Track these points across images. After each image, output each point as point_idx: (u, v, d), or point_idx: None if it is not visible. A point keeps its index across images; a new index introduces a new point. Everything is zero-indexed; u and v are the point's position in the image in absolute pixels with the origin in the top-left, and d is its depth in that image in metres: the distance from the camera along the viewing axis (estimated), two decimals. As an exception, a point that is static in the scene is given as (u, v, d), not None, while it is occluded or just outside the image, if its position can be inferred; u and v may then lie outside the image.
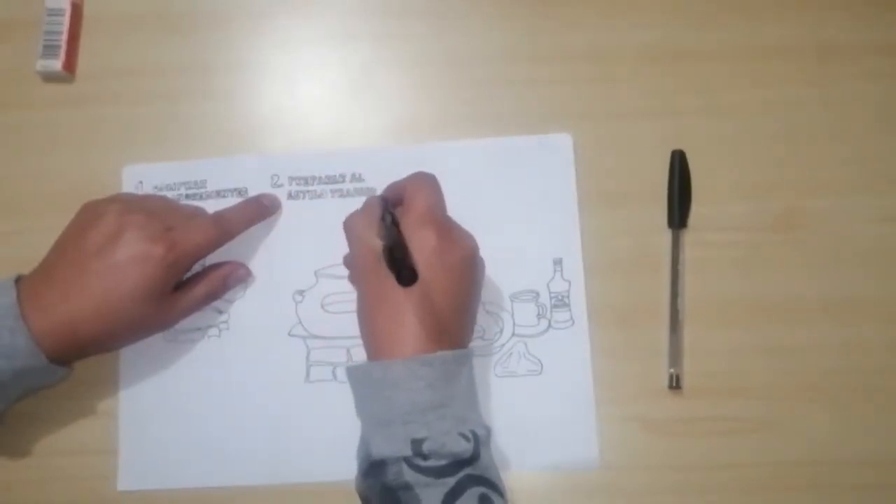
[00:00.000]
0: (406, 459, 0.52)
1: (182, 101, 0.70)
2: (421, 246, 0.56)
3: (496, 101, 0.69)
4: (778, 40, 0.69)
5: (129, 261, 0.58)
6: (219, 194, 0.67)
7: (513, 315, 0.65)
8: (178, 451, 0.64)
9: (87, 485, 0.64)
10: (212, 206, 0.66)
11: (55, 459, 0.64)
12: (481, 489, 0.53)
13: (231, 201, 0.67)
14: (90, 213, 0.61)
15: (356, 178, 0.67)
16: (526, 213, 0.66)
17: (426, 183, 0.60)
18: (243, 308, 0.66)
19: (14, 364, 0.56)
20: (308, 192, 0.67)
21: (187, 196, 0.68)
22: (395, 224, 0.58)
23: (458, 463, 0.53)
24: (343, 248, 0.63)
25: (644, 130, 0.67)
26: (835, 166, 0.66)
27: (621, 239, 0.66)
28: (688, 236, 0.66)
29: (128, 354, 0.65)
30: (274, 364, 0.65)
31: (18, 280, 0.59)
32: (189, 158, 0.68)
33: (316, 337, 0.65)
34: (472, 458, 0.53)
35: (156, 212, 0.61)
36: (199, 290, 0.63)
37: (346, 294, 0.65)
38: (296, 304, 0.66)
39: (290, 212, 0.67)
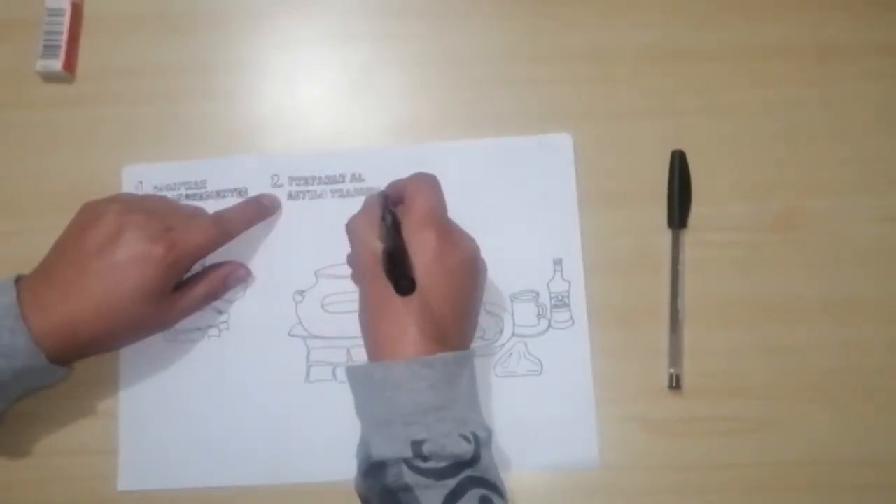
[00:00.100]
0: (406, 461, 0.52)
1: (182, 101, 0.70)
2: (421, 248, 0.56)
3: (496, 101, 0.69)
4: (778, 40, 0.69)
5: (129, 261, 0.58)
6: (219, 194, 0.67)
7: (513, 315, 0.65)
8: (178, 451, 0.64)
9: (87, 485, 0.64)
10: (212, 206, 0.66)
11: (55, 459, 0.64)
12: (482, 491, 0.53)
13: (231, 201, 0.67)
14: (90, 213, 0.61)
15: (356, 178, 0.67)
16: (526, 213, 0.66)
17: (427, 183, 0.60)
18: (243, 308, 0.66)
19: (14, 364, 0.56)
20: (308, 192, 0.67)
21: (187, 196, 0.68)
22: (396, 224, 0.58)
23: (459, 464, 0.53)
24: (343, 247, 0.63)
25: (644, 130, 0.67)
26: (835, 166, 0.66)
27: (621, 239, 0.66)
28: (688, 236, 0.66)
29: (128, 354, 0.65)
30: (274, 364, 0.65)
31: (18, 280, 0.59)
32: (189, 158, 0.68)
33: (316, 337, 0.65)
34: (473, 460, 0.53)
35: (156, 212, 0.61)
36: (199, 290, 0.63)
37: (346, 294, 0.65)
38: (296, 304, 0.66)
39: (290, 212, 0.67)
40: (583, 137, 0.67)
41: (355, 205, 0.64)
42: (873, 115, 0.67)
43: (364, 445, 0.55)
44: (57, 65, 0.69)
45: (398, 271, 0.55)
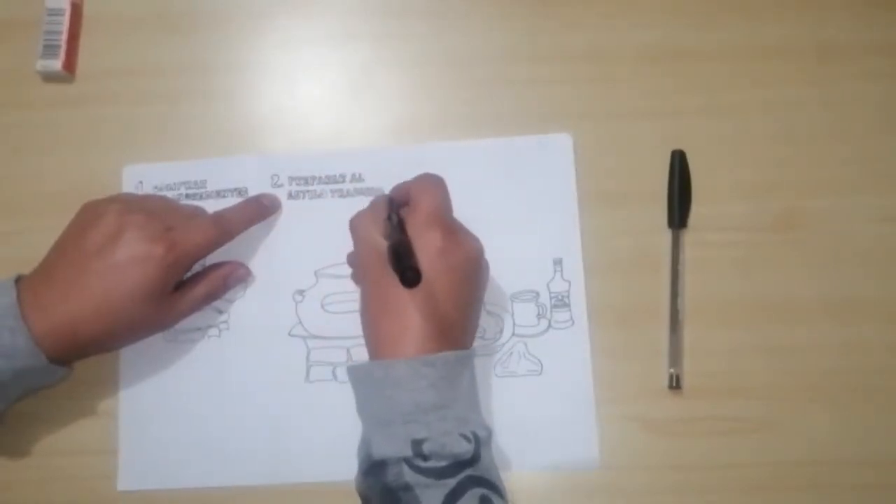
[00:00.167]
0: (406, 460, 0.52)
1: (182, 101, 0.70)
2: (426, 247, 0.56)
3: (496, 101, 0.69)
4: (778, 40, 0.69)
5: (129, 261, 0.58)
6: (219, 194, 0.67)
7: (513, 315, 0.65)
8: (178, 451, 0.64)
9: (87, 485, 0.64)
10: (212, 206, 0.66)
11: (55, 459, 0.64)
12: (482, 490, 0.53)
13: (231, 201, 0.67)
14: (90, 213, 0.61)
15: (356, 178, 0.67)
16: (526, 213, 0.66)
17: (433, 184, 0.60)
18: (243, 308, 0.66)
19: (14, 364, 0.56)
20: (308, 192, 0.67)
21: (187, 196, 0.68)
22: (401, 224, 0.58)
23: (459, 464, 0.53)
24: (343, 247, 0.64)
25: (644, 130, 0.67)
26: (835, 166, 0.66)
27: (621, 239, 0.66)
28: (688, 236, 0.66)
29: (128, 354, 0.65)
30: (274, 364, 0.65)
31: (18, 280, 0.59)
32: (189, 158, 0.68)
33: (316, 337, 0.65)
34: (473, 460, 0.53)
35: (156, 212, 0.61)
36: (200, 290, 0.63)
37: (346, 294, 0.65)
38: (296, 304, 0.66)
39: (290, 212, 0.67)
40: (583, 137, 0.67)
41: (355, 205, 0.64)
42: (873, 115, 0.67)
43: (365, 444, 0.55)
44: (57, 65, 0.69)
45: (404, 262, 0.55)
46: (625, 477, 0.62)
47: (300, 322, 0.65)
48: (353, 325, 0.63)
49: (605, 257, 0.65)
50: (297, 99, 0.70)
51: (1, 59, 0.71)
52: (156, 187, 0.68)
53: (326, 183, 0.67)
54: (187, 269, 0.63)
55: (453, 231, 0.58)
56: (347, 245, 0.63)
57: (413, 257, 0.55)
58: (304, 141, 0.69)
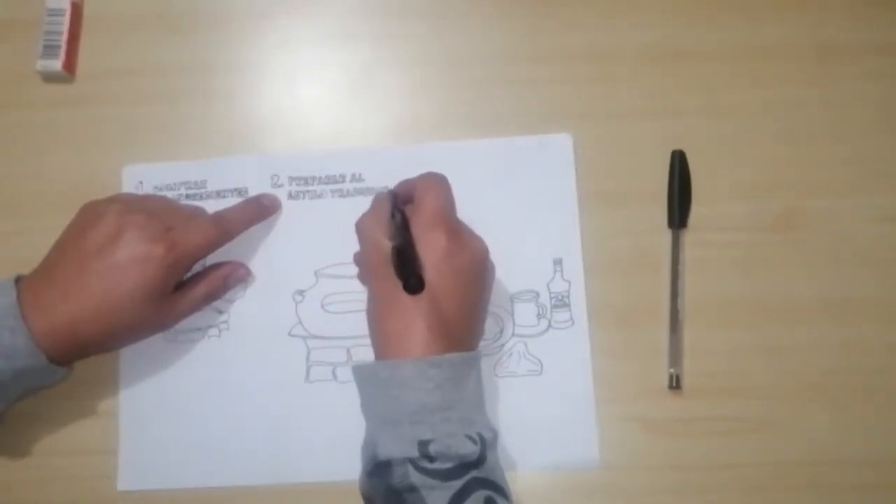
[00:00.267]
0: (412, 461, 0.52)
1: (182, 101, 0.70)
2: (431, 248, 0.56)
3: (496, 101, 0.69)
4: (778, 40, 0.69)
5: (130, 261, 0.58)
6: (219, 194, 0.67)
7: (513, 315, 0.65)
8: (178, 451, 0.64)
9: (87, 485, 0.64)
10: (212, 206, 0.66)
11: (55, 459, 0.64)
12: (487, 492, 0.52)
13: (231, 201, 0.67)
14: (90, 213, 0.60)
15: (356, 178, 0.67)
16: (526, 213, 0.66)
17: (437, 183, 0.59)
18: (243, 308, 0.66)
19: (14, 364, 0.56)
20: (308, 192, 0.67)
21: (187, 196, 0.68)
22: (405, 223, 0.57)
23: (465, 465, 0.53)
24: (343, 247, 0.64)
25: (644, 130, 0.67)
26: (835, 166, 0.66)
27: (621, 239, 0.66)
28: (688, 236, 0.66)
29: (128, 354, 0.65)
30: (274, 364, 0.65)
31: (18, 280, 0.59)
32: (189, 158, 0.68)
33: (316, 337, 0.65)
34: (479, 461, 0.53)
35: (156, 212, 0.61)
36: (200, 290, 0.63)
37: (346, 294, 0.65)
38: (296, 304, 0.66)
39: (290, 212, 0.67)
40: (583, 137, 0.67)
41: (355, 205, 0.64)
42: (873, 115, 0.67)
43: (370, 444, 0.55)
44: (57, 65, 0.69)
45: (407, 270, 0.55)
46: (625, 477, 0.62)
47: (300, 322, 0.65)
48: (353, 325, 0.63)
49: (605, 257, 0.65)
50: (297, 99, 0.70)
51: (1, 59, 0.71)
52: (156, 187, 0.68)
53: (326, 183, 0.67)
54: (187, 270, 0.63)
55: (458, 232, 0.58)
56: (347, 245, 0.63)
57: (416, 263, 0.55)
58: (304, 141, 0.69)
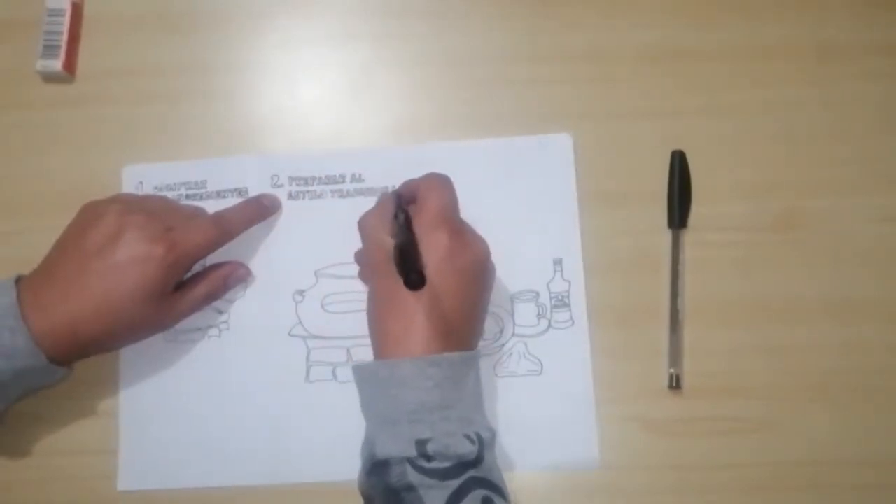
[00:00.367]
0: (410, 460, 0.52)
1: (182, 101, 0.70)
2: (433, 247, 0.56)
3: (496, 101, 0.69)
4: (778, 40, 0.69)
5: (130, 261, 0.58)
6: (219, 194, 0.67)
7: (513, 315, 0.65)
8: (178, 451, 0.64)
9: (87, 485, 0.64)
10: (212, 206, 0.66)
11: (55, 459, 0.64)
12: (485, 492, 0.52)
13: (231, 201, 0.67)
14: (90, 213, 0.61)
15: (356, 178, 0.67)
16: (526, 213, 0.66)
17: (440, 183, 0.59)
18: (243, 308, 0.66)
19: (14, 364, 0.56)
20: (308, 192, 0.67)
21: (187, 196, 0.68)
22: (408, 223, 0.58)
23: (463, 465, 0.53)
24: (343, 247, 0.64)
25: (644, 130, 0.67)
26: (835, 166, 0.66)
27: (621, 239, 0.66)
28: (688, 236, 0.66)
29: (128, 354, 0.65)
30: (274, 364, 0.65)
31: (18, 280, 0.59)
32: (189, 158, 0.68)
33: (316, 337, 0.65)
34: (477, 461, 0.53)
35: (156, 212, 0.61)
36: (200, 290, 0.63)
37: (346, 294, 0.65)
38: (296, 304, 0.66)
39: (290, 212, 0.67)
40: (583, 137, 0.67)
41: (355, 205, 0.64)
42: (873, 115, 0.67)
43: (368, 444, 0.55)
44: (57, 65, 0.69)
45: (409, 266, 0.55)
46: (625, 477, 0.62)
47: (300, 322, 0.65)
48: (353, 325, 0.63)
49: (605, 257, 0.65)
50: (297, 99, 0.70)
51: (1, 59, 0.71)
52: (156, 187, 0.68)
53: (326, 183, 0.67)
54: (187, 270, 0.63)
55: (461, 232, 0.58)
56: (347, 245, 0.63)
57: (418, 260, 0.55)
58: (304, 141, 0.69)
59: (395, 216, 0.58)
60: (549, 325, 0.64)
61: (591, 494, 0.62)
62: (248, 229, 0.66)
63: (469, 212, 0.61)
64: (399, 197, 0.60)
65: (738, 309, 0.64)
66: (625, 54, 0.69)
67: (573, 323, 0.64)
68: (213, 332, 0.65)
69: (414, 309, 0.55)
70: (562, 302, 0.65)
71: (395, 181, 0.64)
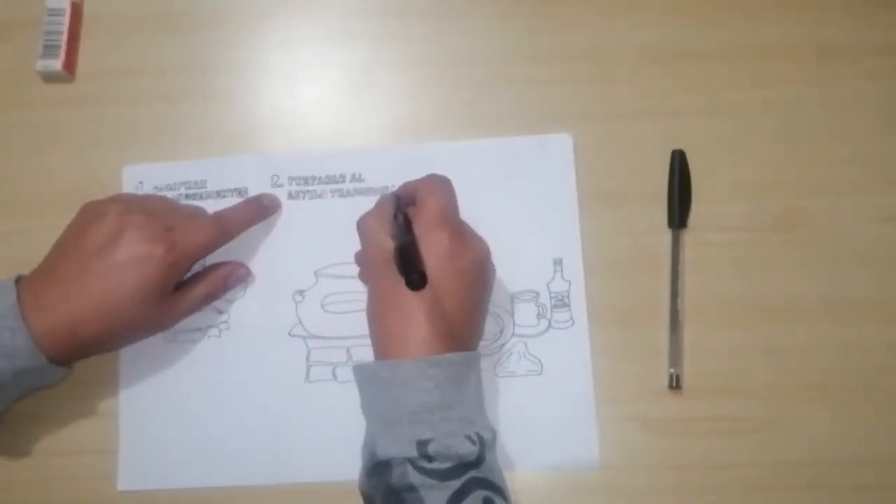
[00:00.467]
0: (411, 461, 0.52)
1: (182, 101, 0.70)
2: (433, 248, 0.56)
3: (496, 101, 0.69)
4: (778, 40, 0.69)
5: (130, 261, 0.58)
6: (219, 194, 0.67)
7: (513, 315, 0.65)
8: (178, 451, 0.64)
9: (87, 485, 0.64)
10: (212, 206, 0.66)
11: (55, 459, 0.64)
12: (485, 492, 0.52)
13: (231, 201, 0.67)
14: (90, 213, 0.60)
15: (356, 178, 0.67)
16: (526, 213, 0.66)
17: (440, 185, 0.59)
18: (243, 308, 0.66)
19: (14, 364, 0.56)
20: (308, 192, 0.67)
21: (187, 196, 0.68)
22: (408, 224, 0.58)
23: (463, 465, 0.53)
24: (343, 247, 0.64)
25: (644, 130, 0.67)
26: (835, 166, 0.66)
27: (621, 239, 0.66)
28: (688, 236, 0.66)
29: (128, 354, 0.65)
30: (274, 364, 0.65)
31: (18, 280, 0.59)
32: (189, 158, 0.68)
33: (316, 337, 0.65)
34: (478, 461, 0.53)
35: (156, 212, 0.61)
36: (200, 290, 0.63)
37: (346, 294, 0.65)
38: (296, 304, 0.66)
39: (290, 212, 0.67)
40: (583, 137, 0.67)
41: (355, 205, 0.64)
42: (873, 115, 0.67)
43: (369, 444, 0.55)
44: (57, 65, 0.69)
45: (409, 265, 0.55)
46: (625, 477, 0.62)
47: (300, 322, 0.65)
48: (353, 325, 0.63)
49: (605, 257, 0.65)
50: (297, 99, 0.70)
51: (1, 59, 0.71)
52: (156, 187, 0.68)
53: (326, 183, 0.67)
54: (187, 270, 0.63)
55: (460, 233, 0.58)
56: (347, 245, 0.63)
57: (419, 260, 0.55)
58: (304, 141, 0.69)
59: (395, 217, 0.58)
60: (549, 325, 0.64)
61: (591, 494, 0.62)
62: (248, 229, 0.66)
63: (469, 212, 0.61)
64: (398, 199, 0.60)
65: (738, 309, 0.64)
66: (625, 54, 0.69)
67: (573, 323, 0.64)
68: (213, 332, 0.65)
69: (415, 309, 0.55)
70: (562, 302, 0.65)
71: (395, 181, 0.64)
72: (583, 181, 0.67)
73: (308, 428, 0.64)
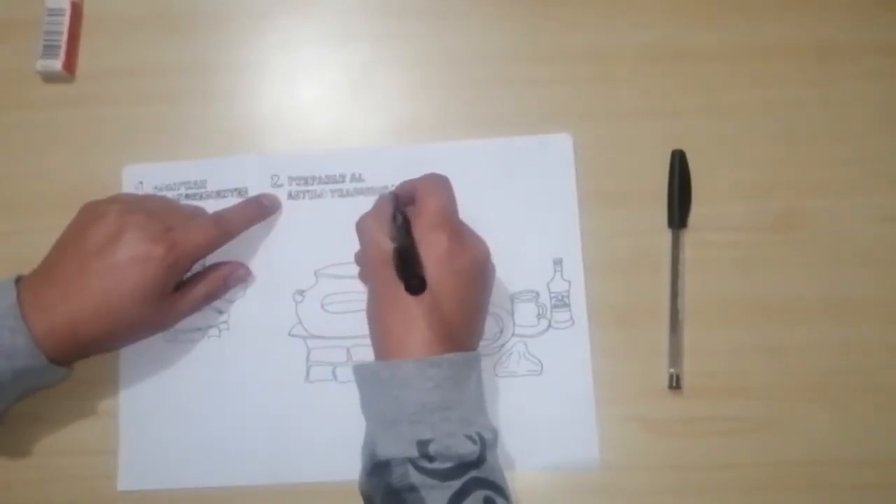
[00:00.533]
0: (412, 461, 0.52)
1: (182, 101, 0.70)
2: (432, 249, 0.56)
3: (496, 101, 0.69)
4: (778, 40, 0.69)
5: (130, 261, 0.58)
6: (219, 194, 0.67)
7: (513, 315, 0.65)
8: (178, 451, 0.64)
9: (87, 485, 0.64)
10: (212, 206, 0.66)
11: (55, 459, 0.64)
12: (486, 492, 0.52)
13: (231, 201, 0.67)
14: (90, 213, 0.60)
15: (356, 178, 0.67)
16: (526, 213, 0.66)
17: (439, 184, 0.59)
18: (243, 308, 0.66)
19: (14, 364, 0.56)
20: (308, 192, 0.67)
21: (187, 196, 0.68)
22: (406, 224, 0.57)
23: (464, 465, 0.53)
24: (343, 247, 0.64)
25: (644, 130, 0.67)
26: (835, 166, 0.66)
27: (621, 239, 0.66)
28: (688, 236, 0.66)
29: (128, 354, 0.65)
30: (274, 364, 0.65)
31: (18, 280, 0.59)
32: (189, 158, 0.68)
33: (316, 337, 0.65)
34: (479, 461, 0.53)
35: (156, 212, 0.61)
36: (200, 290, 0.63)
37: (346, 294, 0.65)
38: (296, 304, 0.66)
39: (290, 212, 0.67)
40: (583, 137, 0.67)
41: (355, 205, 0.64)
42: (873, 115, 0.67)
43: (369, 444, 0.55)
44: (57, 65, 0.69)
45: (409, 270, 0.55)
46: (625, 477, 0.62)
47: (300, 322, 0.65)
48: (353, 325, 0.63)
49: (605, 257, 0.65)
50: (297, 99, 0.70)
51: (1, 59, 0.71)
52: (156, 187, 0.68)
53: (326, 183, 0.67)
54: (187, 270, 0.63)
55: (460, 233, 0.58)
56: (347, 245, 0.63)
57: (418, 264, 0.55)
58: (304, 141, 0.69)
59: (394, 218, 0.58)
60: (549, 325, 0.64)
61: (591, 494, 0.62)
62: (248, 229, 0.66)
63: (469, 212, 0.61)
64: (397, 198, 0.60)
65: (738, 309, 0.64)
66: (625, 54, 0.69)
67: (573, 323, 0.64)
68: (213, 332, 0.65)
69: (414, 310, 0.55)
70: (562, 302, 0.65)
71: (395, 181, 0.64)
72: (583, 181, 0.67)
73: (308, 428, 0.64)
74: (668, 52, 0.69)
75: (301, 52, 0.71)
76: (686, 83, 0.68)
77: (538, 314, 0.65)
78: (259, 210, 0.66)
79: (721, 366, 0.64)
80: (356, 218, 0.62)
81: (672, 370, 0.63)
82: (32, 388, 0.60)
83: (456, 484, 0.52)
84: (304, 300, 0.66)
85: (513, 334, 0.65)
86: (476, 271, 0.58)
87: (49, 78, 0.70)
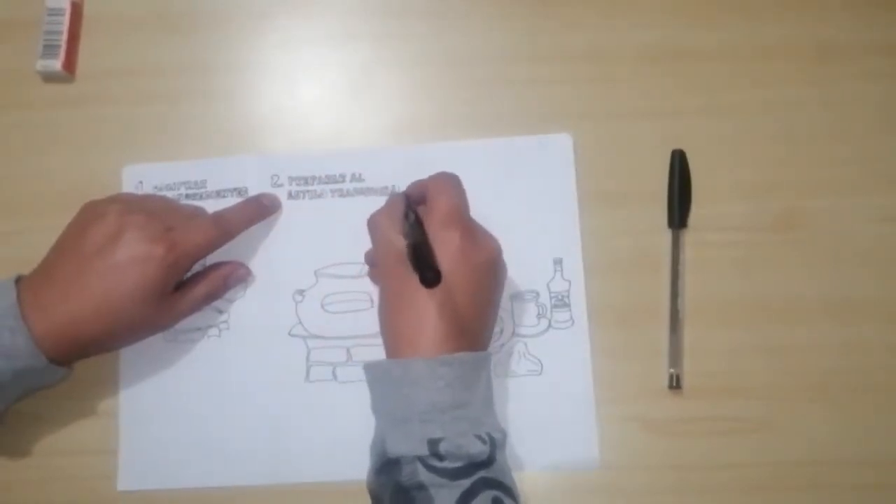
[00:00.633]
0: (422, 459, 0.52)
1: (182, 101, 0.70)
2: (445, 247, 0.56)
3: (496, 101, 0.69)
4: (778, 40, 0.69)
5: (130, 261, 0.58)
6: (219, 194, 0.67)
7: (513, 315, 0.65)
8: (178, 451, 0.64)
9: (87, 485, 0.64)
10: (212, 206, 0.66)
11: (55, 459, 0.64)
12: (495, 493, 0.52)
13: (231, 201, 0.67)
14: (90, 213, 0.60)
15: (356, 178, 0.67)
16: (526, 213, 0.66)
17: (450, 183, 0.59)
18: (243, 308, 0.66)
19: (14, 364, 0.56)
20: (308, 192, 0.67)
21: (187, 196, 0.68)
22: (419, 223, 0.57)
23: (474, 465, 0.53)
24: (344, 247, 0.64)
25: (644, 130, 0.67)
26: (835, 166, 0.66)
27: (621, 239, 0.66)
28: (688, 236, 0.66)
29: (128, 354, 0.65)
30: (274, 364, 0.65)
31: (18, 280, 0.59)
32: (189, 158, 0.68)
33: (316, 337, 0.65)
34: (488, 461, 0.53)
35: (156, 212, 0.61)
36: (200, 290, 0.63)
37: (346, 294, 0.65)
38: (296, 304, 0.66)
39: (290, 212, 0.67)
40: (583, 137, 0.67)
41: (355, 205, 0.64)
42: (873, 115, 0.67)
43: (379, 442, 0.55)
44: (57, 65, 0.69)
45: (424, 263, 0.55)
46: (625, 477, 0.62)
47: (300, 322, 0.65)
48: (353, 324, 0.63)
49: (605, 257, 0.65)
50: (297, 99, 0.70)
51: (1, 59, 0.71)
52: (156, 187, 0.68)
53: (326, 183, 0.67)
54: (187, 270, 0.63)
55: (472, 231, 0.58)
56: (347, 245, 0.63)
57: (433, 257, 0.55)
58: (304, 141, 0.69)
59: (406, 216, 0.58)
60: (549, 325, 0.64)
61: (591, 494, 0.62)
62: (248, 229, 0.66)
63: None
64: (408, 197, 0.60)
65: (738, 309, 0.64)
66: (625, 54, 0.69)
67: (573, 323, 0.64)
68: (213, 332, 0.65)
69: (427, 308, 0.55)
70: (562, 302, 0.65)
71: (395, 181, 0.64)
72: (583, 181, 0.67)
73: (308, 428, 0.64)
74: (668, 52, 0.69)
75: (301, 52, 0.71)
76: (686, 83, 0.68)
77: (538, 314, 0.65)
78: (259, 210, 0.66)
79: (721, 366, 0.64)
80: (356, 217, 0.61)
81: (672, 370, 0.63)
82: (32, 388, 0.60)
83: (465, 483, 0.52)
84: (304, 300, 0.66)
85: (513, 334, 0.65)
86: (488, 268, 0.58)
87: (49, 78, 0.70)
